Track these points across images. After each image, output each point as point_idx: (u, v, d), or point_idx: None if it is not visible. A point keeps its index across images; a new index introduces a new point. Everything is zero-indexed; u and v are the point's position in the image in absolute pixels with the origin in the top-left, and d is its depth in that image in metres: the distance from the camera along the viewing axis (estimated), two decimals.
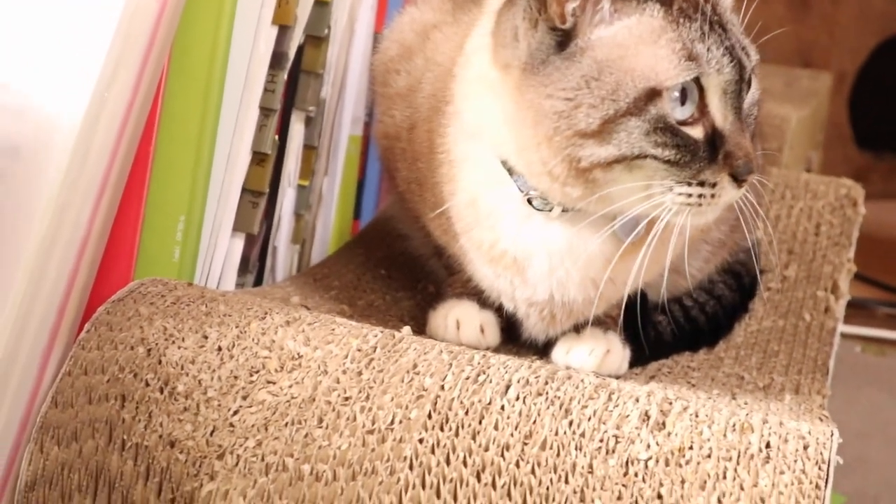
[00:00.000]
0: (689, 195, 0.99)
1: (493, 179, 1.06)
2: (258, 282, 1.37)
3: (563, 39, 0.98)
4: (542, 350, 1.17)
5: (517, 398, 0.94)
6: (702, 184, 0.99)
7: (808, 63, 2.68)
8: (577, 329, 1.14)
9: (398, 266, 1.40)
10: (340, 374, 0.96)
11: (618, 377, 1.13)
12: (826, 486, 0.87)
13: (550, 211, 1.05)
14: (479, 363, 0.98)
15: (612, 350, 1.13)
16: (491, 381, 0.95)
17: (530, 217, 1.06)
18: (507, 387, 0.95)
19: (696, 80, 0.97)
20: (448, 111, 1.07)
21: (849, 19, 2.69)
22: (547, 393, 0.94)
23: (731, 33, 1.00)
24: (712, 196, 0.99)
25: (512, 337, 1.19)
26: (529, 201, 1.05)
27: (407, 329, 1.07)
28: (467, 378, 0.95)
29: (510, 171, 1.04)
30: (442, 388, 0.94)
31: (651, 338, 1.22)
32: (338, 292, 1.32)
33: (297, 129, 1.40)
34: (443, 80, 1.09)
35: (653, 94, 0.97)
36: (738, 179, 0.99)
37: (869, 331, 2.01)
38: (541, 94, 0.98)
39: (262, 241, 1.36)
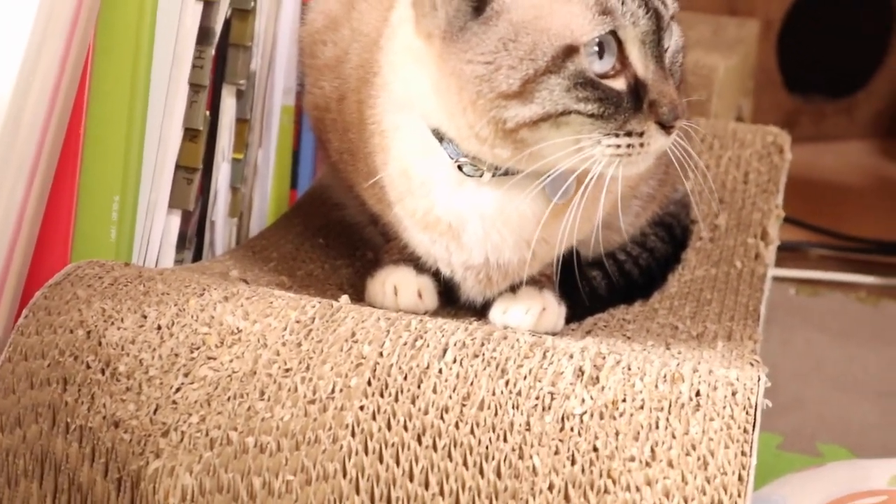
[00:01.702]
0: (618, 146, 1.01)
1: (423, 148, 1.07)
2: (197, 257, 1.38)
3: (479, 4, 0.99)
4: (480, 311, 1.19)
5: (454, 361, 0.96)
6: (629, 134, 1.00)
7: (735, 11, 2.71)
8: (514, 289, 1.16)
9: (336, 234, 1.41)
10: (280, 346, 0.97)
11: (554, 334, 1.16)
12: (753, 430, 0.90)
13: (481, 176, 1.07)
14: (416, 328, 0.99)
15: (548, 308, 1.15)
16: (428, 346, 0.97)
17: (462, 183, 1.08)
18: (445, 350, 0.97)
19: (613, 34, 0.99)
20: (376, 82, 1.08)
21: None
22: (483, 354, 0.96)
23: None
24: (641, 145, 1.01)
25: (451, 300, 1.21)
26: (460, 168, 1.07)
27: (345, 298, 1.09)
28: (405, 344, 0.97)
29: (440, 139, 1.06)
30: (380, 354, 0.96)
31: (587, 293, 1.25)
32: (277, 263, 1.33)
33: (228, 104, 1.40)
34: (369, 50, 1.10)
35: (570, 51, 0.98)
36: (665, 126, 1.01)
37: (802, 273, 2.06)
38: (462, 60, 0.99)
39: (199, 216, 1.37)
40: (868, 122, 2.92)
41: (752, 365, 1.15)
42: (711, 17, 2.53)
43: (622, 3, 0.99)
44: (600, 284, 1.28)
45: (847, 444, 1.51)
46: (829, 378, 1.68)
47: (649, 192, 1.28)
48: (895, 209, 2.00)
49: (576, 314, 1.23)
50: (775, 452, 1.48)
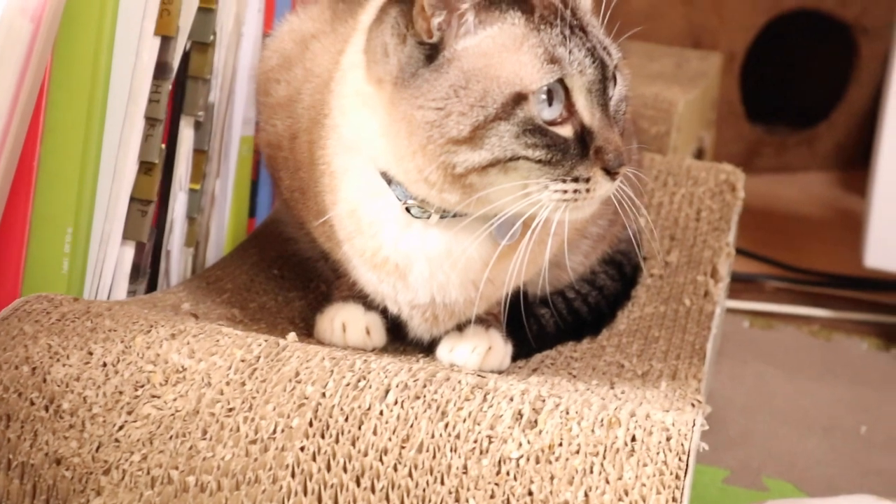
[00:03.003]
0: (565, 191, 1.03)
1: (372, 190, 1.09)
2: (152, 287, 1.39)
3: (432, 52, 1.01)
4: (429, 348, 1.21)
5: (395, 402, 0.97)
6: (576, 179, 1.03)
7: (699, 44, 2.75)
8: (461, 327, 1.18)
9: (291, 266, 1.43)
10: (224, 385, 0.98)
11: (500, 372, 1.18)
12: (685, 476, 0.92)
13: (429, 218, 1.08)
14: (360, 368, 1.01)
15: (494, 347, 1.17)
16: (371, 387, 0.98)
17: (410, 225, 1.10)
18: (387, 391, 0.98)
19: (561, 82, 1.02)
20: (326, 124, 1.10)
21: (737, 0, 2.76)
22: (424, 396, 0.98)
23: (592, 35, 1.05)
24: (587, 190, 1.04)
25: (400, 336, 1.22)
26: (408, 209, 1.08)
27: (292, 336, 1.10)
28: (348, 384, 0.99)
29: (389, 182, 1.08)
30: (323, 395, 0.98)
31: (535, 331, 1.27)
32: (230, 295, 1.34)
33: (186, 135, 1.42)
34: (321, 91, 1.11)
35: (519, 98, 1.00)
36: (610, 172, 1.04)
37: (757, 305, 2.09)
38: (413, 105, 1.01)
39: (154, 245, 1.38)
40: (829, 153, 2.96)
41: (692, 406, 1.17)
42: (676, 50, 2.56)
43: (569, 53, 1.02)
44: (549, 322, 1.30)
45: (793, 479, 1.53)
46: (778, 412, 1.71)
47: (599, 231, 1.30)
48: (853, 242, 2.02)
49: (523, 352, 1.25)
50: (721, 487, 1.50)
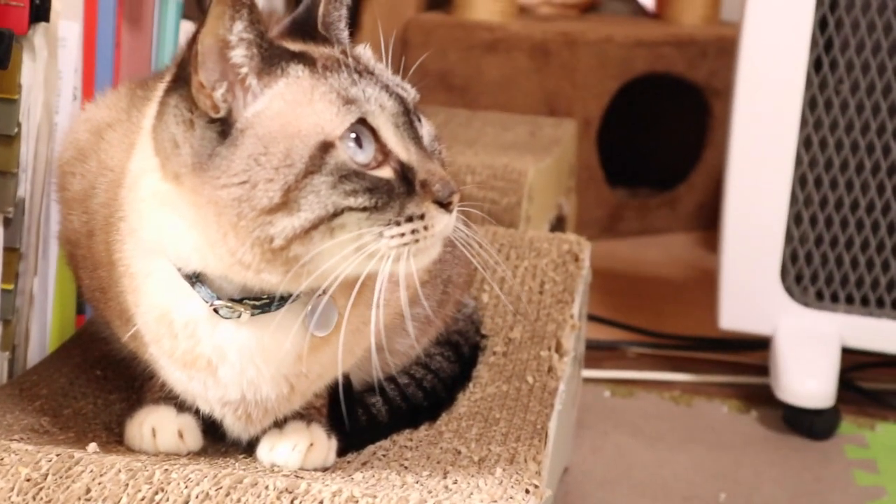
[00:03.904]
0: (402, 234, 0.98)
1: (177, 293, 1.03)
2: None
3: (224, 128, 0.97)
4: (252, 448, 1.14)
5: None
6: (410, 219, 0.98)
7: (554, 111, 2.76)
8: (282, 423, 1.12)
9: (115, 365, 1.35)
10: None
11: (326, 469, 1.12)
12: None
13: (239, 317, 1.03)
14: (158, 480, 0.94)
15: (316, 443, 1.11)
16: (168, 500, 0.92)
17: (220, 323, 1.04)
18: (186, 503, 0.91)
19: (364, 123, 0.98)
20: (122, 227, 1.04)
21: (588, 67, 2.78)
22: None
23: (382, 75, 1.02)
24: (425, 227, 0.99)
25: (221, 437, 1.16)
26: (216, 310, 1.03)
27: (92, 447, 1.03)
28: (143, 499, 0.92)
29: (192, 284, 1.02)
30: None
31: (365, 420, 1.22)
32: (44, 402, 1.26)
33: None
34: (115, 189, 1.06)
35: (326, 147, 0.96)
36: (443, 204, 0.99)
37: (618, 373, 2.06)
38: (216, 186, 0.96)
39: None
40: (691, 214, 2.99)
41: (527, 491, 1.13)
42: (530, 118, 2.56)
43: (363, 91, 0.99)
44: (381, 411, 1.24)
45: None
46: (637, 484, 1.67)
47: (426, 314, 1.25)
48: (713, 303, 2.02)
49: (354, 444, 1.19)
50: None
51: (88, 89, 1.52)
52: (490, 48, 2.78)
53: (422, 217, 0.98)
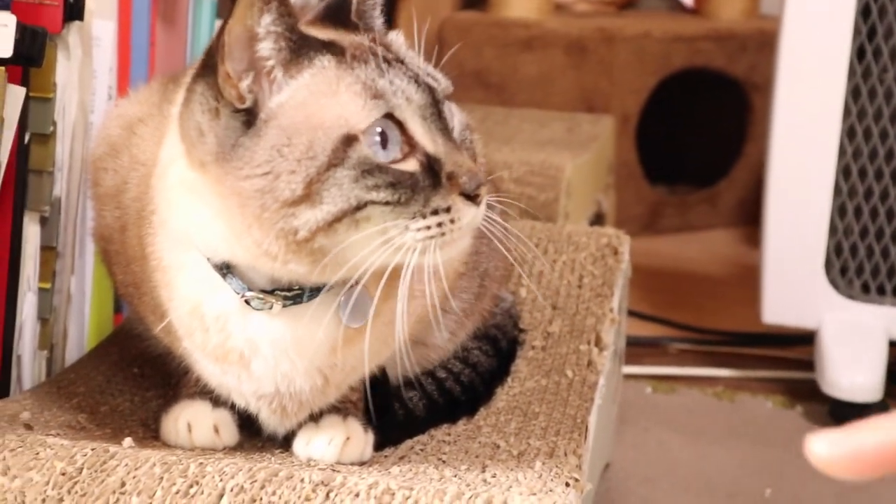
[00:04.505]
0: (429, 227, 0.96)
1: (209, 285, 1.02)
2: (4, 395, 1.30)
3: (249, 118, 0.96)
4: (288, 443, 1.13)
5: None
6: (436, 212, 0.96)
7: (592, 107, 2.73)
8: (317, 417, 1.11)
9: (151, 363, 1.34)
10: (39, 503, 0.90)
11: (363, 463, 1.10)
12: None
13: (271, 308, 1.02)
14: (193, 473, 0.93)
15: (353, 437, 1.09)
16: (203, 493, 0.91)
17: (252, 315, 1.03)
18: (220, 496, 0.91)
19: (391, 116, 0.96)
20: (154, 220, 1.03)
21: (626, 63, 2.76)
22: (261, 499, 0.91)
23: (412, 64, 1.00)
24: (452, 221, 0.97)
25: (257, 432, 1.15)
26: (248, 302, 1.02)
27: (128, 441, 1.02)
28: (177, 492, 0.91)
29: (223, 275, 1.01)
30: None
31: (402, 415, 1.20)
32: (81, 399, 1.25)
33: (32, 231, 1.34)
34: (147, 182, 1.05)
35: (349, 140, 0.94)
36: (470, 196, 0.98)
37: (660, 369, 2.04)
38: (239, 177, 0.95)
39: (3, 351, 1.29)
40: (731, 210, 2.96)
41: (567, 485, 1.11)
42: (567, 115, 2.54)
43: (390, 83, 0.96)
44: (418, 405, 1.23)
45: None
46: (680, 480, 1.65)
47: (463, 307, 1.24)
48: (756, 298, 1.99)
49: (392, 439, 1.17)
50: None
51: (123, 88, 1.52)
52: (526, 45, 2.76)
53: (448, 210, 0.97)
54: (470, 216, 0.98)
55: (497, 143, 2.21)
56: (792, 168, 1.91)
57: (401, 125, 0.97)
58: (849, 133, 1.90)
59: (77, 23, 1.36)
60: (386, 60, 0.97)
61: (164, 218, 1.02)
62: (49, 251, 1.37)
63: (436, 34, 2.63)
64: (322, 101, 0.95)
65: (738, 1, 2.95)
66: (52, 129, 1.32)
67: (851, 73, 1.88)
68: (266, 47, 0.96)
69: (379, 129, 0.95)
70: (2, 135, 1.21)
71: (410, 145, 0.97)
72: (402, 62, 0.99)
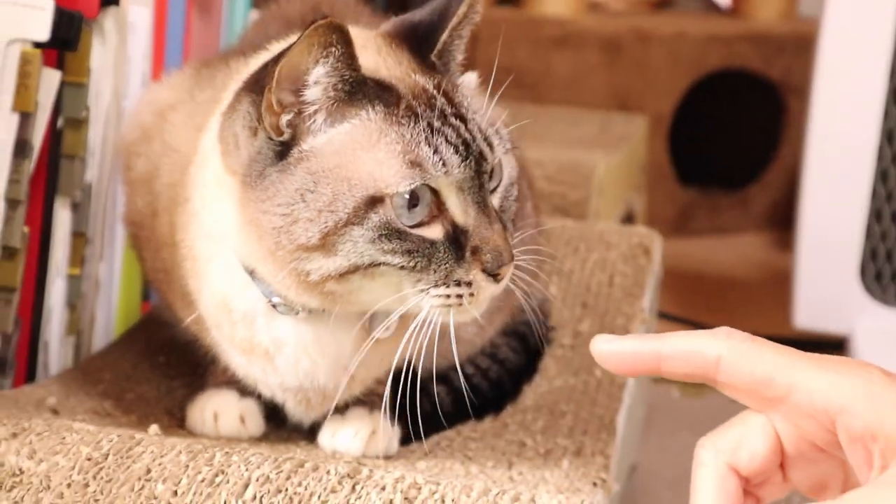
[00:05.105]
0: (448, 296, 0.94)
1: (239, 281, 1.01)
2: (30, 380, 1.30)
3: (283, 149, 0.93)
4: (314, 434, 1.13)
5: (254, 497, 0.89)
6: (458, 283, 0.95)
7: (624, 107, 2.71)
8: (343, 409, 1.10)
9: (178, 351, 1.34)
10: (65, 487, 0.90)
11: (389, 457, 1.09)
12: None
13: (297, 314, 1.01)
14: (219, 462, 0.93)
15: (378, 430, 1.09)
16: (228, 482, 0.90)
17: (278, 317, 1.02)
18: (246, 486, 0.90)
19: (426, 185, 0.93)
20: (187, 209, 1.02)
21: (660, 63, 2.74)
22: (287, 489, 0.90)
23: (471, 124, 0.95)
24: (471, 294, 0.95)
25: (283, 423, 1.14)
26: (274, 306, 1.01)
27: (154, 428, 1.02)
28: (203, 480, 0.90)
29: (252, 275, 1.00)
30: (175, 493, 0.89)
31: (429, 410, 1.19)
32: (106, 386, 1.25)
33: (62, 217, 1.34)
34: (180, 169, 1.04)
35: (374, 202, 0.92)
36: (491, 274, 0.95)
37: None
38: (259, 209, 0.94)
39: (31, 336, 1.29)
40: (763, 214, 2.93)
41: (594, 485, 1.09)
42: (600, 114, 2.53)
43: (434, 152, 0.92)
44: (445, 400, 1.21)
45: None
46: None
47: (495, 303, 1.22)
48: (787, 302, 1.96)
49: (417, 433, 1.16)
50: None
51: (157, 75, 1.52)
52: (560, 43, 2.75)
53: (469, 284, 0.95)
54: (489, 292, 0.96)
55: (529, 142, 2.18)
56: (828, 171, 1.89)
57: (434, 191, 0.93)
58: (888, 137, 1.88)
59: (113, 8, 1.35)
60: (443, 116, 0.93)
61: (197, 209, 1.01)
62: (79, 237, 1.37)
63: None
64: (358, 153, 0.92)
65: (776, 2, 2.92)
66: (85, 114, 1.32)
67: (892, 74, 1.85)
68: (313, 94, 0.93)
69: (408, 193, 0.92)
70: (36, 119, 1.20)
71: (440, 210, 0.94)
72: (461, 118, 0.94)
